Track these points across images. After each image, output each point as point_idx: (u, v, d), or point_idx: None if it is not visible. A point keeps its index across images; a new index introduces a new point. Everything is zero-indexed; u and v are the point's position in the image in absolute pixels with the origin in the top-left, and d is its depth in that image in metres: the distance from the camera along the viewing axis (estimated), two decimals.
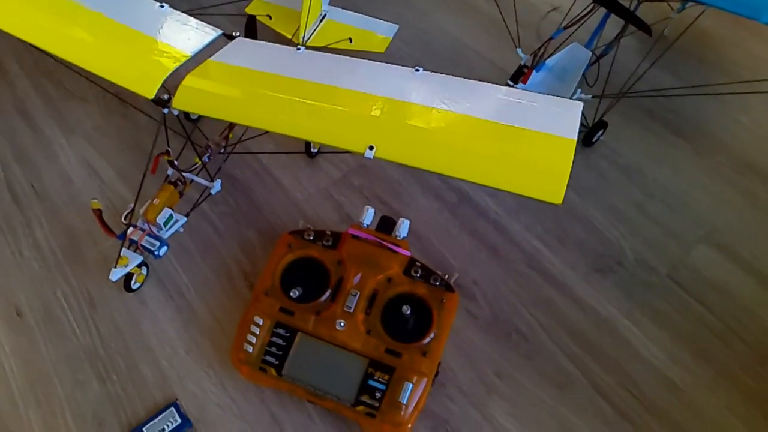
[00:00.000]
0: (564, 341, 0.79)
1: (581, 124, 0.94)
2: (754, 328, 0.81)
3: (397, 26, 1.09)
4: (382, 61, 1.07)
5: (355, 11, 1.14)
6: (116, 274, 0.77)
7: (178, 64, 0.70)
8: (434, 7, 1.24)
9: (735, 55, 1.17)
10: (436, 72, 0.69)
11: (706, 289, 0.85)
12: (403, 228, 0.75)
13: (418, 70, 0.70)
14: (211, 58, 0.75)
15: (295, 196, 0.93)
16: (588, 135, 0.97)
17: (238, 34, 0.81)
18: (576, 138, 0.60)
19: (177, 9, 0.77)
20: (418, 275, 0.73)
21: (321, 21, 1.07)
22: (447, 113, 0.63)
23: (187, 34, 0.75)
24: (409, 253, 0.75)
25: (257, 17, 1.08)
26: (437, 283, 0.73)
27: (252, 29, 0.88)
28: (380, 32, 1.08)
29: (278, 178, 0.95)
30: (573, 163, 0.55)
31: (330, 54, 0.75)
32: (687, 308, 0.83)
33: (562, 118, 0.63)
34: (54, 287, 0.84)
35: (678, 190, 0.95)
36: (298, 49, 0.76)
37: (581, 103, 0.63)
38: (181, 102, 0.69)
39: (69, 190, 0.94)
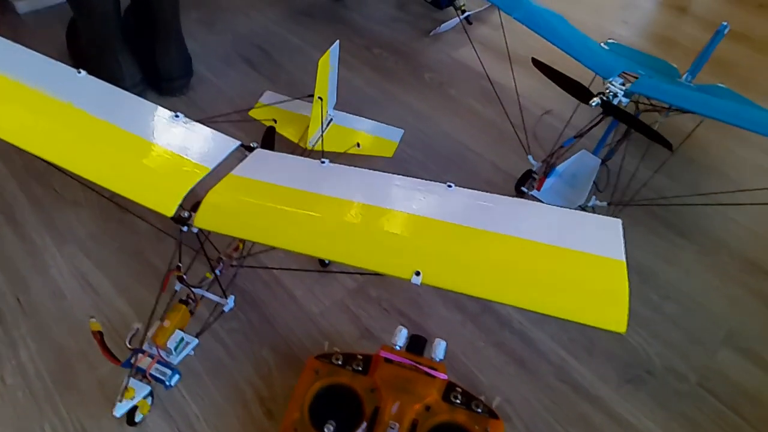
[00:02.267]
0: None
1: None
2: None
3: (402, 130, 1.10)
4: (389, 166, 1.09)
5: (356, 115, 1.15)
6: (121, 408, 0.69)
7: (198, 179, 0.67)
8: (432, 109, 1.26)
9: (721, 156, 1.23)
10: (464, 188, 0.68)
11: (737, 396, 0.83)
12: (439, 349, 0.71)
13: (450, 186, 0.69)
14: (233, 172, 0.72)
15: (311, 309, 0.88)
16: None
17: (256, 145, 0.79)
18: (624, 259, 0.59)
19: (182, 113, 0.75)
20: (458, 401, 0.69)
21: (327, 125, 1.08)
22: (490, 234, 0.62)
23: (204, 146, 0.73)
24: (446, 377, 0.71)
25: (262, 121, 1.08)
26: (479, 410, 0.68)
27: (270, 139, 0.86)
28: (387, 136, 1.09)
29: (291, 291, 0.90)
30: None
31: (354, 168, 0.74)
32: (721, 418, 0.81)
33: (606, 237, 0.62)
34: (42, 421, 0.74)
35: (691, 291, 0.96)
36: (322, 162, 0.74)
37: (620, 221, 0.63)
38: (203, 220, 0.65)
39: (60, 305, 0.86)
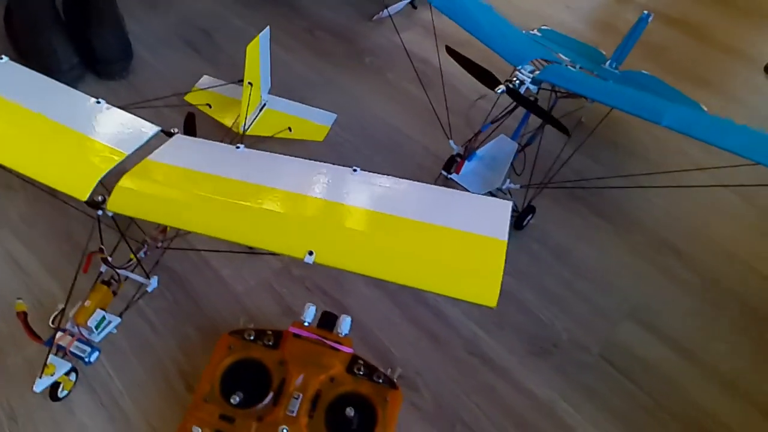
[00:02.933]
0: (508, 429, 0.80)
1: (513, 209, 1.00)
2: (681, 401, 0.86)
3: (335, 115, 1.13)
4: (322, 149, 1.12)
5: (294, 99, 1.18)
6: (41, 384, 0.73)
7: (113, 164, 0.70)
8: (369, 93, 1.29)
9: (643, 138, 1.28)
10: (372, 171, 0.72)
11: (635, 366, 0.89)
12: (344, 325, 0.75)
13: (355, 170, 0.73)
14: (149, 157, 0.74)
15: (236, 288, 0.92)
16: (519, 219, 1.02)
17: (176, 130, 0.81)
18: (506, 239, 0.63)
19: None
20: (361, 373, 0.73)
21: (260, 110, 1.10)
22: (383, 216, 0.66)
23: (123, 132, 0.75)
24: (351, 351, 0.75)
25: (197, 106, 1.10)
26: (380, 381, 0.73)
27: (191, 125, 0.88)
28: (319, 121, 1.11)
29: (218, 270, 0.93)
30: (510, 246, 0.58)
31: (268, 153, 0.77)
32: (619, 387, 0.87)
33: (493, 218, 0.66)
34: None
35: (602, 269, 1.02)
36: (237, 147, 0.77)
37: (510, 203, 0.68)
38: (116, 204, 0.67)
39: None
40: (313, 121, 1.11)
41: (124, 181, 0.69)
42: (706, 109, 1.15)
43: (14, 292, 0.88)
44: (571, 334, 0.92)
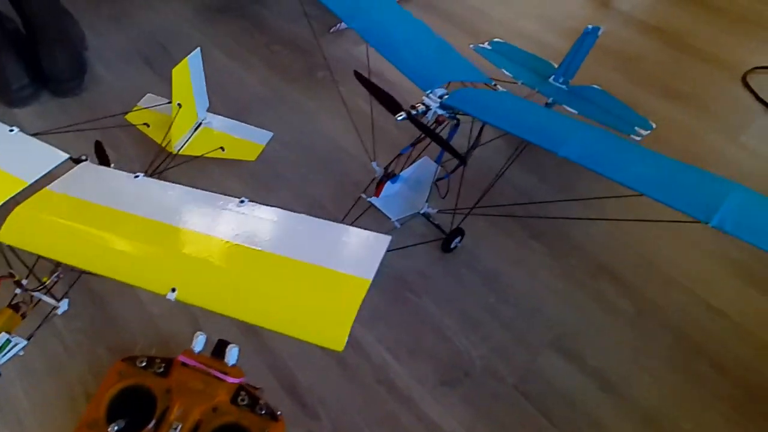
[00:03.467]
0: None
1: (441, 231, 0.98)
2: None
3: (271, 134, 1.13)
4: (257, 167, 1.12)
5: (240, 114, 1.18)
6: None
7: (12, 193, 0.71)
8: (319, 109, 1.29)
9: None
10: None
11: (550, 399, 0.86)
12: (231, 355, 0.75)
13: (242, 202, 0.72)
14: (48, 187, 0.76)
15: (152, 310, 0.93)
16: (446, 242, 1.00)
17: (85, 157, 0.83)
18: (371, 278, 0.62)
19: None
20: (244, 403, 0.73)
21: (196, 129, 1.11)
22: (252, 251, 0.65)
23: (30, 160, 0.77)
24: (238, 381, 0.75)
25: (137, 126, 1.12)
26: (263, 412, 0.73)
27: (102, 152, 0.90)
28: (254, 140, 1.11)
29: (137, 292, 0.94)
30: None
31: (162, 182, 0.77)
32: (530, 421, 0.84)
33: (365, 255, 0.65)
34: None
35: (531, 295, 0.99)
36: (136, 176, 0.78)
37: (389, 238, 0.66)
38: (7, 235, 0.69)
39: None
40: (248, 140, 1.11)
41: (17, 212, 0.70)
42: (654, 126, 1.11)
43: None
44: (487, 363, 0.90)
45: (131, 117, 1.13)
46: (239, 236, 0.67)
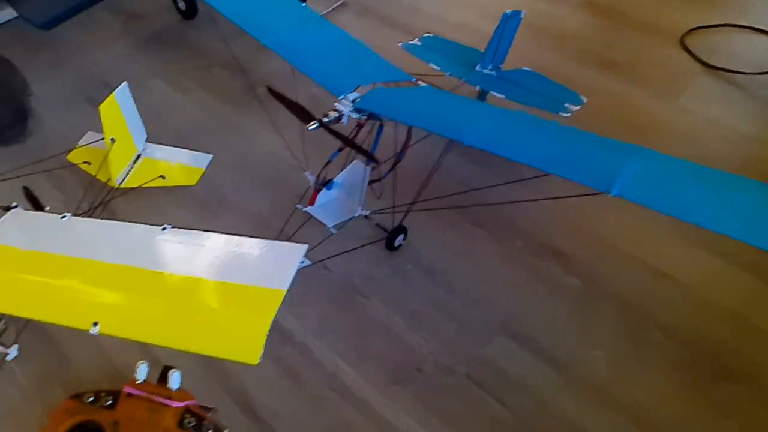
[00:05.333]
0: None
1: (384, 230, 0.99)
2: (546, 416, 0.84)
3: (210, 156, 1.14)
4: (199, 192, 1.13)
5: (182, 142, 1.19)
6: None
7: None
8: (260, 126, 1.29)
9: None
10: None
11: (502, 384, 0.87)
12: (173, 379, 0.76)
13: (164, 229, 0.73)
14: None
15: (106, 344, 0.94)
16: (389, 241, 1.01)
17: (15, 204, 0.84)
18: (286, 288, 0.63)
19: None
20: (191, 426, 0.74)
21: (135, 161, 1.12)
22: (168, 276, 0.66)
23: None
24: (183, 404, 0.76)
25: (78, 165, 1.13)
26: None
27: (32, 197, 0.91)
28: (194, 164, 1.12)
29: None
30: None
31: (88, 220, 0.79)
32: (484, 407, 0.85)
33: (280, 266, 0.66)
34: None
35: (477, 284, 0.99)
36: (63, 217, 0.79)
37: (305, 246, 0.67)
38: None
39: None
40: (188, 164, 1.12)
41: None
42: (584, 100, 1.11)
43: None
44: (437, 357, 0.90)
45: (72, 156, 1.14)
46: (157, 263, 0.69)
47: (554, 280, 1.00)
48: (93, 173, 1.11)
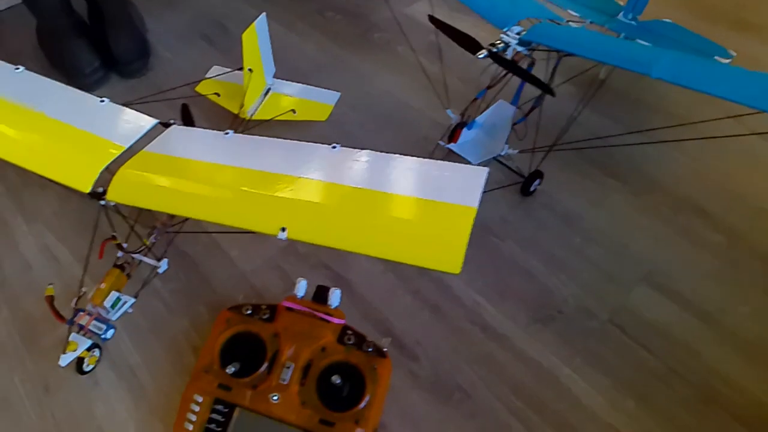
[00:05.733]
0: (506, 396, 0.80)
1: (519, 175, 0.98)
2: (695, 366, 0.82)
3: (339, 94, 1.14)
4: (326, 128, 1.14)
5: (301, 81, 1.20)
6: (65, 359, 0.80)
7: (113, 157, 0.75)
8: (379, 69, 1.29)
9: (670, 93, 1.21)
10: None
11: (646, 331, 0.86)
12: (334, 297, 0.77)
13: (335, 147, 0.74)
14: (145, 149, 0.79)
15: (244, 268, 0.96)
16: (525, 185, 1.00)
17: (173, 121, 0.85)
18: (477, 206, 0.62)
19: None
20: (351, 342, 0.75)
21: (266, 95, 1.13)
22: (355, 189, 0.67)
23: (123, 127, 0.80)
24: (342, 321, 0.77)
25: (207, 96, 1.14)
26: (370, 350, 0.74)
27: (188, 115, 0.92)
28: (323, 101, 1.13)
29: (227, 251, 0.98)
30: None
31: (252, 137, 0.79)
32: (628, 352, 0.84)
33: (467, 186, 0.66)
34: (12, 374, 0.86)
35: (616, 233, 0.97)
36: (226, 134, 0.80)
37: (486, 170, 0.66)
38: (115, 194, 0.72)
39: (29, 276, 0.97)
40: (317, 101, 1.13)
41: (121, 173, 0.73)
42: (734, 54, 1.07)
43: (48, 279, 0.96)
44: (579, 301, 0.89)
45: (201, 88, 1.16)
46: (340, 177, 0.69)
47: (696, 235, 0.97)
48: (224, 105, 1.12)
